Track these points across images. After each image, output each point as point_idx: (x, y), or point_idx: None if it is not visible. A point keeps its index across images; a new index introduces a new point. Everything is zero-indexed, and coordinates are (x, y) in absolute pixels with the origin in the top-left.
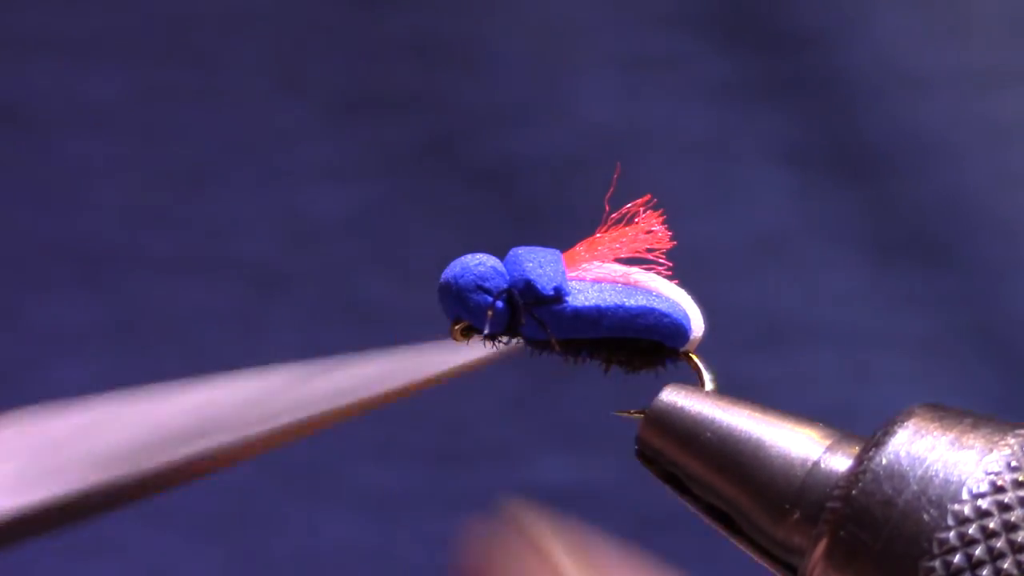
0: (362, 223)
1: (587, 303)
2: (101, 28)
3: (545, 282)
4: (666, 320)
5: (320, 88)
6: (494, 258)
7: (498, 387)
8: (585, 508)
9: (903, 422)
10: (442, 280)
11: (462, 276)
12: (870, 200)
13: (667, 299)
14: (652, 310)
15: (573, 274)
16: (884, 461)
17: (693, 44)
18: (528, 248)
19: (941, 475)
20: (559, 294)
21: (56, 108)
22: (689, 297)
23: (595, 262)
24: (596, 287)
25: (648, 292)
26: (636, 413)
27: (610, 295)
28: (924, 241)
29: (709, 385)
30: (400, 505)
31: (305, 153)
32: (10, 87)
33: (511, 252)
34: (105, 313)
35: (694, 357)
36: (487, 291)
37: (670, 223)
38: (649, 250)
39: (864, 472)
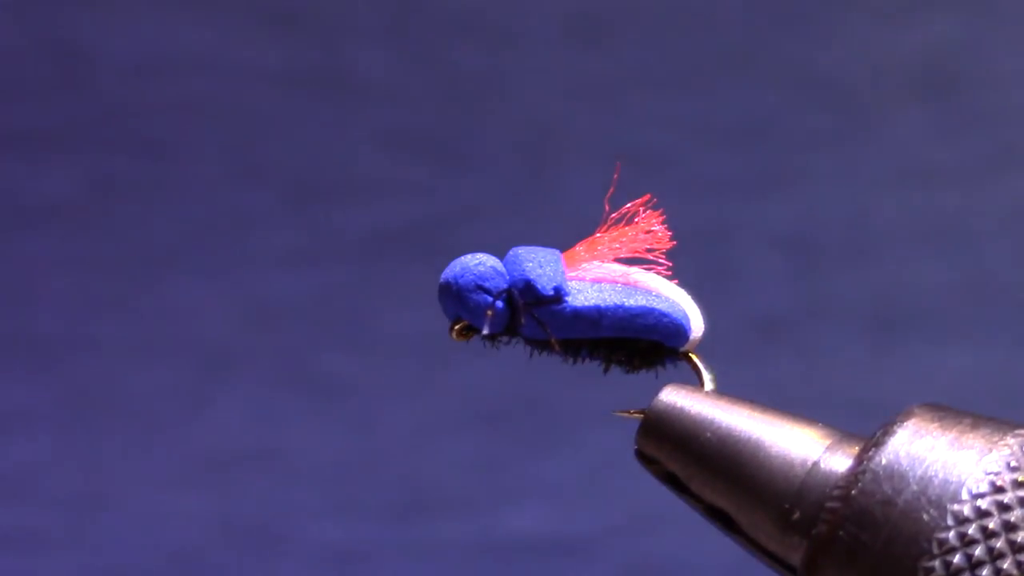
0: (320, 305)
1: (587, 303)
2: (53, 122)
3: (545, 282)
4: (666, 320)
5: (280, 175)
6: (494, 258)
7: (458, 442)
8: (551, 560)
9: (903, 422)
10: (442, 280)
11: (462, 276)
12: (873, 281)
13: (667, 299)
14: (652, 310)
15: (573, 274)
16: (883, 461)
17: (684, 142)
18: (528, 248)
19: (940, 475)
20: (559, 294)
21: (8, 204)
22: (689, 297)
23: (595, 262)
24: (596, 287)
25: (648, 292)
26: (635, 413)
27: (610, 295)
28: (933, 320)
29: (709, 385)
30: (359, 559)
31: (264, 239)
32: None
33: (511, 252)
34: (55, 395)
35: (694, 357)
36: (487, 291)
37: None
38: (649, 250)
39: (863, 472)
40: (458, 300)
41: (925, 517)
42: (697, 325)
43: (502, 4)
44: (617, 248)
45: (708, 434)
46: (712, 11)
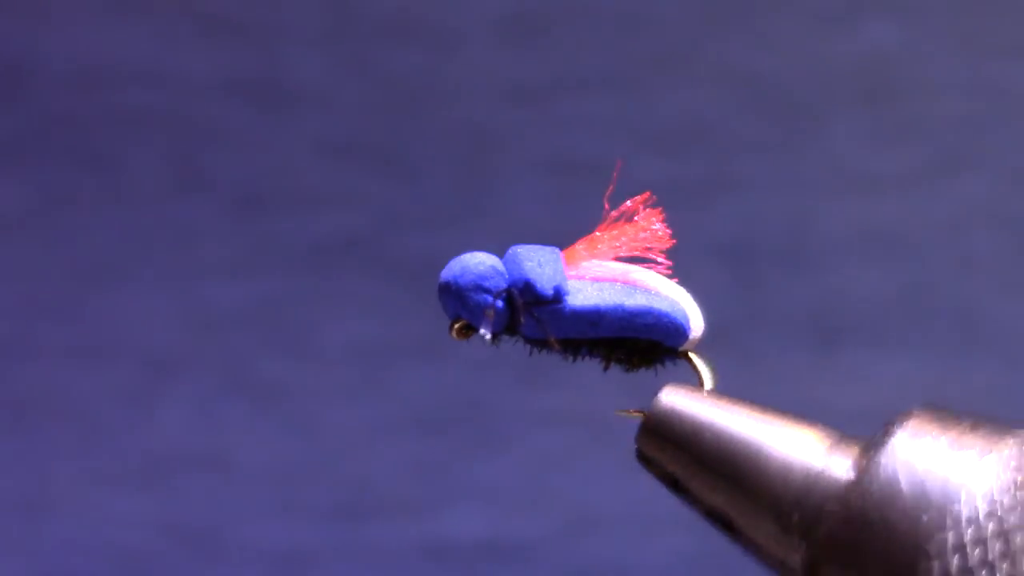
0: (263, 313)
1: (586, 303)
2: None
3: (544, 282)
4: (665, 320)
5: (221, 186)
6: (494, 257)
7: (399, 445)
8: (493, 563)
9: (902, 423)
10: (442, 279)
11: (462, 276)
12: (813, 289)
13: (666, 298)
14: (651, 310)
15: (573, 273)
16: (883, 462)
17: (624, 148)
18: (527, 247)
19: (940, 477)
20: (558, 294)
21: None
22: (688, 295)
23: (595, 260)
24: (595, 286)
25: (647, 291)
26: (636, 413)
27: (609, 295)
28: (873, 328)
29: (708, 384)
30: (301, 562)
31: (204, 249)
32: None
33: (510, 251)
34: None
35: (693, 356)
36: (487, 291)
37: None
38: (648, 248)
39: (863, 474)
40: (459, 300)
41: (924, 519)
42: (697, 324)
43: (438, 7)
44: (617, 247)
45: (708, 435)
46: (649, 13)
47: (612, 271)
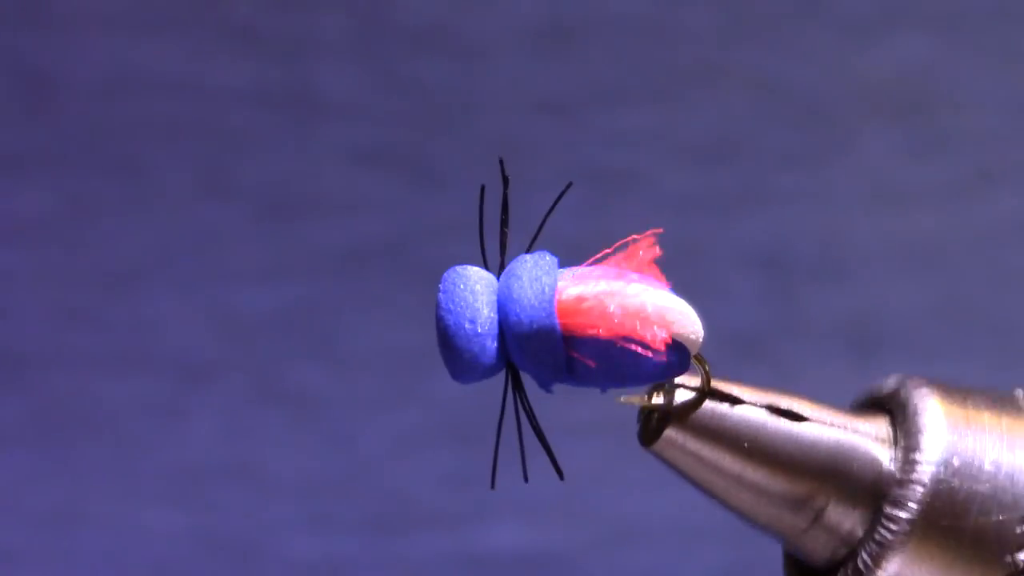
0: (293, 318)
1: (587, 379)
2: (23, 144)
3: (545, 379)
4: (669, 372)
5: (250, 192)
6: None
7: (435, 457)
8: (531, 573)
9: (923, 403)
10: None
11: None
12: (847, 301)
13: (663, 359)
14: (652, 375)
15: (571, 325)
16: (936, 467)
17: (654, 159)
18: (527, 334)
19: (1008, 491)
20: (560, 380)
21: None
22: (686, 305)
23: (591, 311)
24: (592, 367)
25: (644, 357)
26: (644, 403)
27: (609, 364)
28: (909, 340)
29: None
30: (336, 575)
31: (234, 256)
32: None
33: (511, 331)
34: (26, 411)
35: (695, 362)
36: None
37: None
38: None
39: (919, 475)
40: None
41: (1009, 495)
42: (696, 336)
43: (468, 19)
44: (611, 279)
45: (745, 443)
46: (681, 24)
47: (611, 322)
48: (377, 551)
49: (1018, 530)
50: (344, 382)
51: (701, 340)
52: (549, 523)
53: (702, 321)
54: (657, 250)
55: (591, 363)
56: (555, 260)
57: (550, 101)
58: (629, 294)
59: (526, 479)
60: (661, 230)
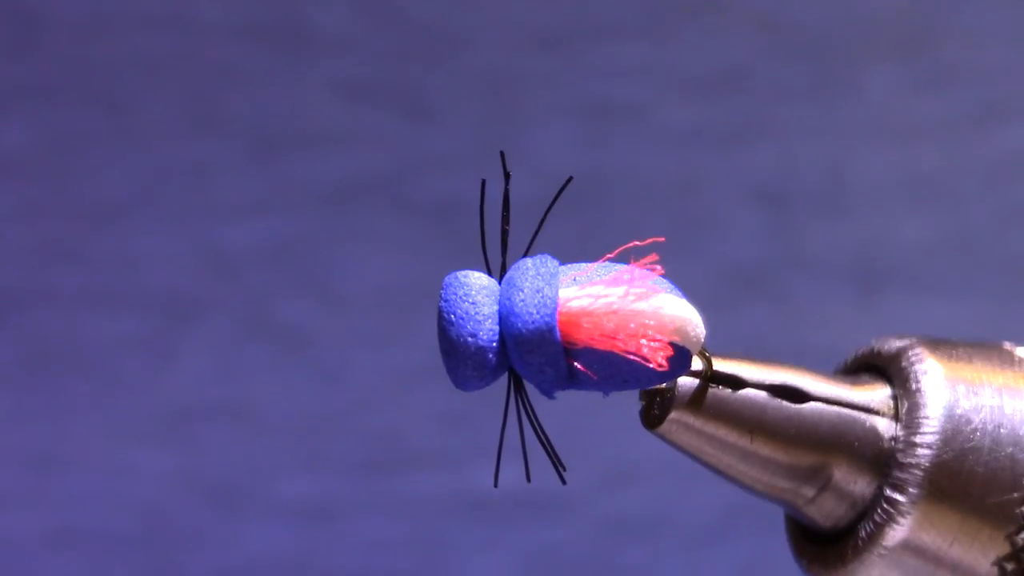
0: (284, 254)
1: (589, 386)
2: (5, 77)
3: (547, 387)
4: (669, 378)
5: (238, 126)
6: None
7: (428, 395)
8: (525, 515)
9: (920, 362)
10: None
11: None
12: (851, 235)
13: (664, 367)
14: (653, 381)
15: (572, 338)
16: (939, 417)
17: (653, 93)
18: (529, 347)
19: (1011, 445)
20: (561, 387)
21: None
22: (688, 305)
23: (590, 321)
24: (593, 376)
25: (645, 367)
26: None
27: (611, 373)
28: (913, 274)
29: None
30: (328, 515)
31: (221, 189)
32: None
33: (510, 337)
34: (11, 348)
35: (697, 357)
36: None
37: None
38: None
39: (924, 437)
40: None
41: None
42: (697, 338)
43: None
44: (611, 287)
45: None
46: None
47: (612, 334)
48: (370, 491)
49: None
50: (335, 319)
51: (702, 339)
52: (547, 462)
53: (703, 322)
54: (658, 267)
55: (592, 374)
56: (556, 265)
57: (546, 34)
58: (630, 303)
59: (528, 480)
60: (663, 239)
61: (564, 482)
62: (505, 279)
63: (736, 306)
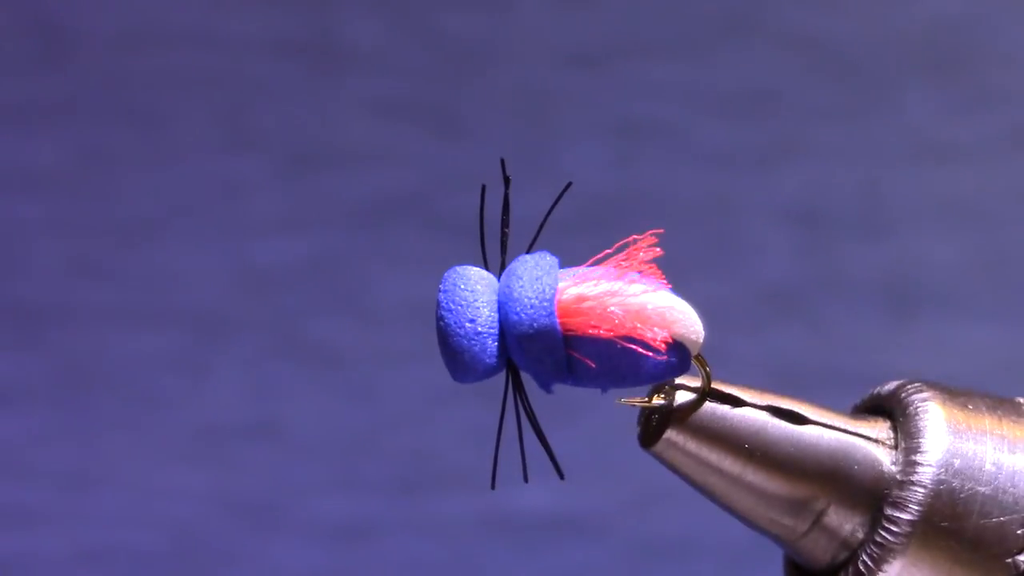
0: (316, 271)
1: (588, 379)
2: (42, 94)
3: (546, 379)
4: (669, 374)
5: (270, 142)
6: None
7: (462, 414)
8: (559, 537)
9: (924, 407)
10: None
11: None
12: (885, 256)
13: (664, 361)
14: (652, 375)
15: (570, 324)
16: (937, 469)
17: (687, 112)
18: (527, 334)
19: (1010, 492)
20: (560, 380)
21: None
22: (688, 306)
23: (590, 311)
24: (592, 368)
25: (645, 357)
26: (644, 403)
27: (607, 377)
28: (947, 296)
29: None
30: (361, 535)
31: (254, 205)
32: None
33: (510, 328)
34: (43, 366)
35: (696, 362)
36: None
37: (675, 281)
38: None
39: (920, 477)
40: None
41: (1009, 496)
42: (697, 337)
43: None
44: (610, 280)
45: (746, 444)
46: None
47: (607, 319)
48: (402, 510)
49: (1019, 531)
50: (368, 336)
51: (702, 340)
52: (580, 483)
53: (702, 321)
54: (658, 251)
55: (591, 363)
56: (556, 260)
57: (580, 52)
58: (629, 294)
59: (526, 479)
60: (663, 230)
61: (562, 477)
62: (504, 271)
63: (769, 327)
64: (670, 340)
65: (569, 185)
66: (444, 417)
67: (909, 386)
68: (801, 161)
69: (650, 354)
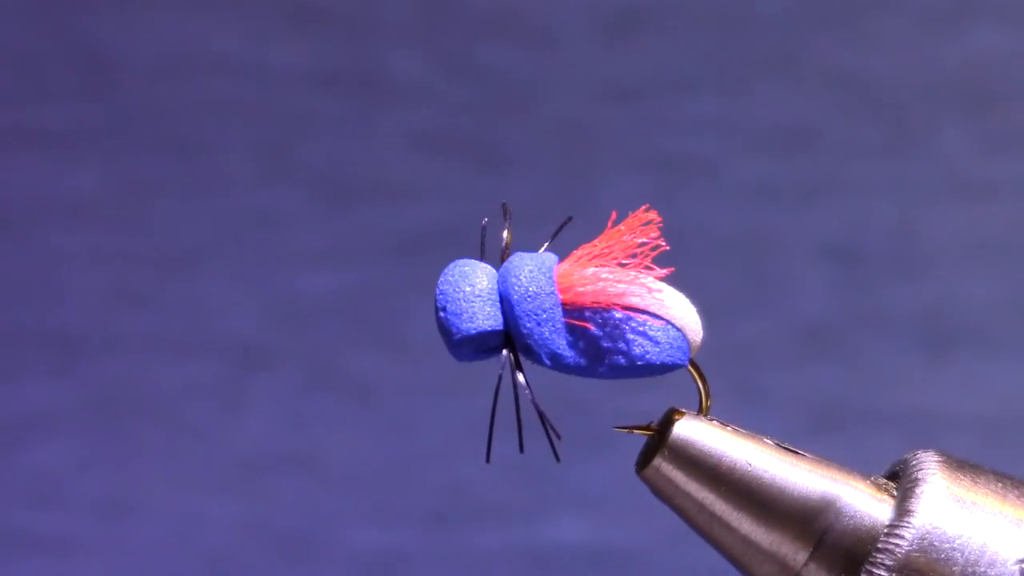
0: (354, 303)
1: (579, 362)
2: (82, 122)
3: (543, 350)
4: (666, 365)
5: (310, 174)
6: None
7: (498, 448)
8: (593, 571)
9: (926, 478)
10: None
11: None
12: (923, 294)
13: (663, 338)
14: (649, 366)
15: (568, 298)
16: (925, 526)
17: (726, 148)
18: (525, 294)
19: (987, 554)
20: (555, 361)
21: (33, 201)
22: (687, 302)
23: (588, 276)
24: (589, 338)
25: (646, 328)
26: (640, 430)
27: (605, 352)
28: (984, 334)
29: (705, 400)
30: (396, 566)
31: (293, 237)
32: None
33: (509, 296)
34: (81, 394)
35: (693, 370)
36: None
37: (712, 318)
38: (643, 257)
39: (904, 531)
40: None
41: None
42: (696, 335)
43: (536, 2)
44: (611, 259)
45: (733, 474)
46: (753, 12)
47: (607, 293)
48: (437, 543)
49: None
50: (405, 369)
51: (700, 340)
52: (616, 516)
53: (699, 322)
54: (654, 223)
55: (589, 326)
56: (555, 256)
57: (619, 87)
58: (630, 276)
59: (521, 450)
60: (656, 213)
61: (558, 460)
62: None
63: (806, 364)
64: (669, 323)
65: (569, 219)
66: (478, 450)
67: (920, 451)
68: (838, 198)
69: (650, 321)
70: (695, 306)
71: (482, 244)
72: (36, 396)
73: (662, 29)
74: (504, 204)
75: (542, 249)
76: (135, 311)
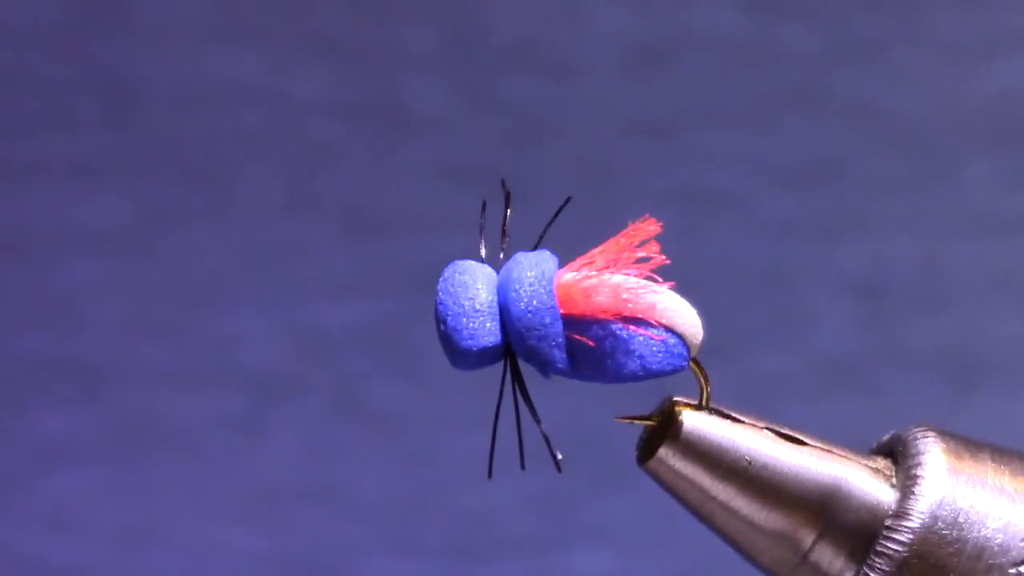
0: (376, 335)
1: (582, 371)
2: (105, 153)
3: (550, 363)
4: (666, 371)
5: (333, 206)
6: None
7: (519, 479)
8: None
9: (925, 456)
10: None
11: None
12: (946, 329)
13: (664, 348)
14: (650, 373)
15: (571, 307)
16: (932, 507)
17: (750, 182)
18: (525, 309)
19: (998, 539)
20: (559, 371)
21: (56, 232)
22: (687, 305)
23: (590, 283)
24: (591, 349)
25: (646, 337)
26: (642, 420)
27: (606, 362)
28: (1009, 371)
29: (707, 392)
30: None
31: (315, 268)
32: (10, 213)
33: (510, 313)
34: (102, 424)
35: (695, 367)
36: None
37: (737, 352)
38: (642, 260)
39: (912, 512)
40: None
41: (994, 543)
42: (696, 337)
43: (560, 36)
44: (610, 267)
45: (741, 463)
46: (781, 47)
47: (607, 303)
48: (459, 575)
49: (1011, 571)
50: (427, 401)
51: (700, 337)
52: (640, 550)
53: (702, 322)
54: (656, 231)
55: (590, 342)
56: (555, 258)
57: (643, 121)
58: (630, 282)
59: (523, 467)
60: (655, 221)
61: (560, 470)
62: (504, 265)
63: (830, 399)
64: (669, 327)
65: (568, 200)
66: (502, 482)
67: (916, 429)
68: (863, 233)
69: (649, 334)
70: (717, 338)
71: (481, 228)
72: (57, 425)
73: (687, 63)
74: (503, 184)
75: (541, 235)
76: (158, 341)
